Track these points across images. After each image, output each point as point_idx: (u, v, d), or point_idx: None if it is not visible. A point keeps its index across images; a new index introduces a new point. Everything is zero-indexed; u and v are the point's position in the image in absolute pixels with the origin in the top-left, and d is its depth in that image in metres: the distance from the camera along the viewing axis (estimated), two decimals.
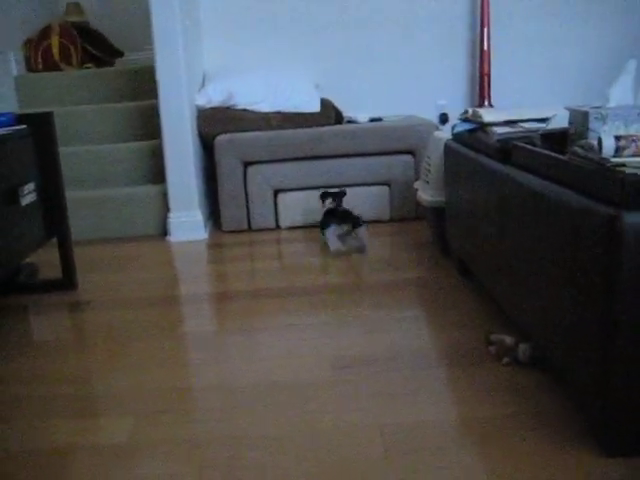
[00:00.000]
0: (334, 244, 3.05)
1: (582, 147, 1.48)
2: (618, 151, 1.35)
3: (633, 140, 1.35)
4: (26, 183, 2.44)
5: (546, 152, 1.66)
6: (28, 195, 2.44)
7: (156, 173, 3.69)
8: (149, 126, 3.88)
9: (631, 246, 1.23)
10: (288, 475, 1.38)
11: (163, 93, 3.41)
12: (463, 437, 1.48)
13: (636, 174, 1.26)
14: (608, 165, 1.33)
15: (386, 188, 3.58)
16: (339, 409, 1.63)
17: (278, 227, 3.62)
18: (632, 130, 1.51)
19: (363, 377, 1.80)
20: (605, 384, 1.32)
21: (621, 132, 1.47)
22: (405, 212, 3.61)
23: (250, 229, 3.62)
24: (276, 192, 3.59)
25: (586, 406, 1.44)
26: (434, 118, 4.16)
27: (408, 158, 3.56)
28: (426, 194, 2.84)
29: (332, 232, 3.08)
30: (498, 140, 2.02)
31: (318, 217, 3.28)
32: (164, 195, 3.55)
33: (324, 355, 1.96)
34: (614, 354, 1.29)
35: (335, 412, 1.62)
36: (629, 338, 1.28)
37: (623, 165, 1.31)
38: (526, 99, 4.23)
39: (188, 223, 3.51)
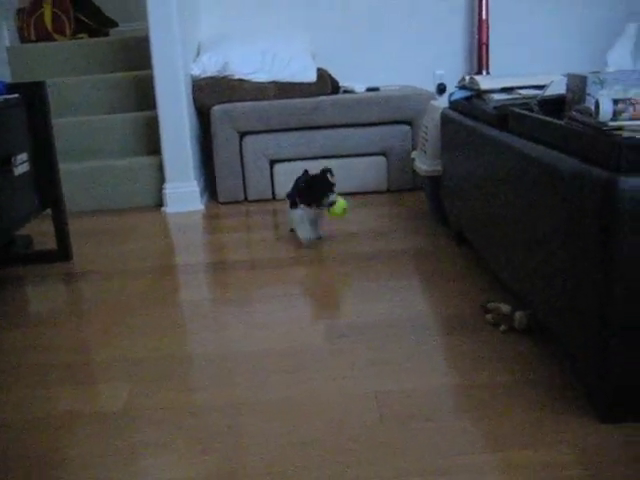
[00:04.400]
0: (304, 234, 2.67)
1: (579, 111, 1.46)
2: (616, 115, 1.33)
3: (631, 103, 1.33)
4: (19, 153, 2.41)
5: (543, 117, 1.64)
6: (21, 165, 2.42)
7: (151, 144, 3.66)
8: (144, 97, 3.85)
9: (627, 210, 1.22)
10: (285, 441, 1.38)
11: (158, 63, 3.37)
12: (459, 404, 1.49)
13: (633, 137, 1.24)
14: (605, 129, 1.32)
15: (383, 158, 3.56)
16: (335, 376, 1.63)
17: (274, 198, 3.60)
18: (631, 94, 1.48)
19: (359, 345, 1.80)
20: (602, 351, 1.32)
21: (619, 96, 1.45)
22: (402, 182, 3.59)
23: (246, 200, 3.60)
24: (272, 162, 3.56)
25: (582, 373, 1.44)
26: (432, 88, 4.12)
27: (405, 128, 3.53)
28: (423, 163, 2.82)
29: (300, 217, 2.66)
30: (495, 107, 2.00)
31: None
32: (159, 166, 3.52)
33: (320, 323, 1.95)
34: (611, 320, 1.29)
35: (331, 379, 1.62)
36: (626, 304, 1.27)
37: (620, 129, 1.30)
38: (525, 69, 4.19)
39: (184, 194, 3.49)
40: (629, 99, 1.35)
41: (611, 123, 1.32)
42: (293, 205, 2.67)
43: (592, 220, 1.29)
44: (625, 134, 1.26)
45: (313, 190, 2.60)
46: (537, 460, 1.28)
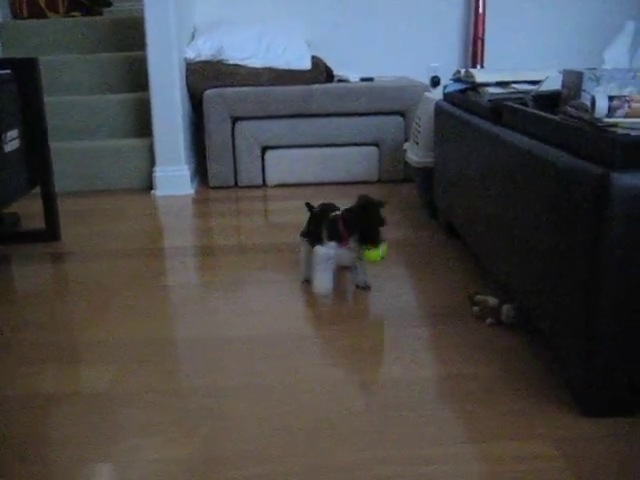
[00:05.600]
0: (324, 283, 1.99)
1: (574, 107, 1.46)
2: (611, 111, 1.34)
3: (626, 101, 1.33)
4: (9, 129, 2.39)
5: (537, 112, 1.64)
6: (11, 142, 2.40)
7: (142, 126, 3.64)
8: (136, 78, 3.82)
9: (619, 206, 1.22)
10: (269, 427, 1.38)
11: (152, 45, 3.35)
12: (444, 394, 1.49)
13: (627, 135, 1.25)
14: (600, 125, 1.32)
15: (375, 149, 3.56)
16: (321, 364, 1.63)
17: (265, 185, 3.59)
18: (626, 92, 1.49)
19: (347, 333, 1.80)
20: (588, 346, 1.33)
21: (615, 93, 1.45)
22: (394, 174, 3.59)
23: (237, 186, 3.59)
24: (264, 149, 3.55)
25: (568, 367, 1.45)
26: (426, 80, 4.12)
27: (398, 119, 3.53)
28: (415, 155, 2.82)
29: (326, 258, 1.96)
30: (490, 100, 2.00)
31: (306, 175, 3.25)
32: (150, 149, 3.50)
33: (308, 310, 1.95)
34: (599, 315, 1.30)
35: (317, 366, 1.62)
36: (614, 299, 1.28)
37: (615, 125, 1.30)
38: (520, 64, 4.20)
39: (174, 177, 3.47)
40: (624, 96, 1.35)
41: (606, 120, 1.32)
42: (315, 241, 2.01)
43: (585, 215, 1.29)
44: (620, 131, 1.27)
45: (361, 223, 1.92)
46: (518, 452, 1.29)
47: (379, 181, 3.59)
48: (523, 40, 4.27)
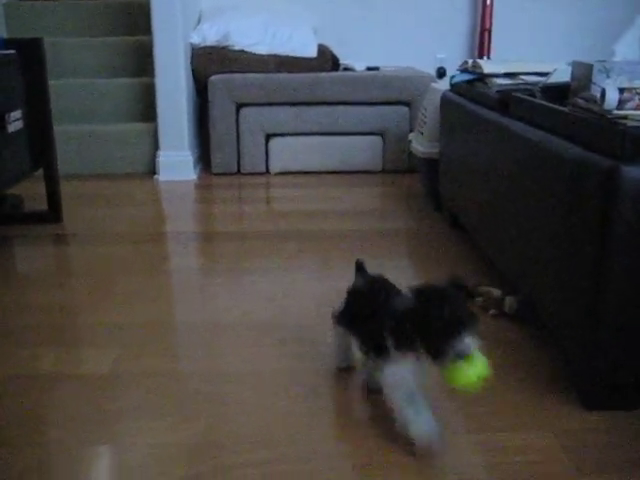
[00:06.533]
0: (423, 428, 1.23)
1: (584, 99, 1.45)
2: (621, 104, 1.33)
3: (637, 93, 1.32)
4: (13, 110, 2.38)
5: (545, 103, 1.63)
6: (14, 122, 2.39)
7: (147, 111, 3.62)
8: (142, 63, 3.80)
9: (629, 199, 1.21)
10: (268, 412, 1.38)
11: (157, 29, 3.33)
12: (445, 385, 1.48)
13: (638, 127, 1.23)
14: (610, 117, 1.31)
15: (380, 138, 3.54)
16: (322, 351, 1.63)
17: (268, 172, 3.58)
18: (636, 85, 1.48)
19: None
20: (593, 339, 1.32)
21: (625, 86, 1.44)
22: (398, 164, 3.57)
23: (240, 172, 3.57)
24: (268, 136, 3.54)
25: (571, 359, 1.45)
26: (432, 71, 4.10)
27: (404, 109, 3.51)
28: (420, 145, 2.80)
29: (404, 390, 1.25)
30: (497, 91, 1.98)
31: (309, 164, 3.22)
32: (154, 133, 3.49)
33: (309, 297, 1.95)
34: (605, 309, 1.29)
35: (317, 354, 1.62)
36: (621, 293, 1.27)
37: (625, 118, 1.29)
38: (528, 56, 4.17)
39: (177, 163, 3.46)
40: (635, 89, 1.34)
41: (616, 112, 1.31)
42: (366, 342, 1.35)
43: (593, 207, 1.28)
44: (630, 123, 1.26)
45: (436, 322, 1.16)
46: (517, 443, 1.28)
47: (383, 171, 3.58)
48: (530, 32, 4.24)
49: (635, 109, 1.32)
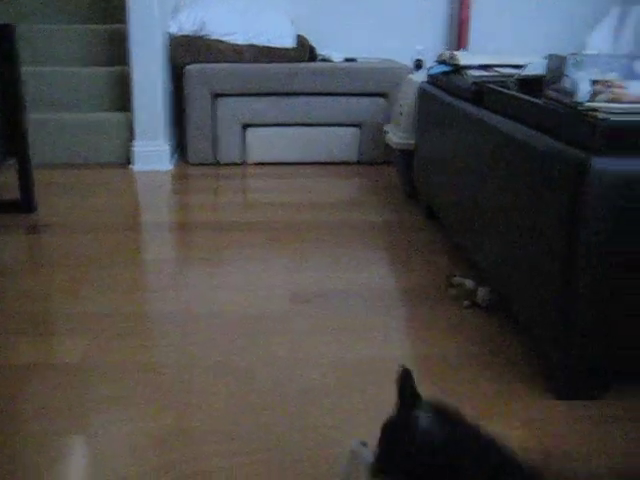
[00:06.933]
0: None
1: (556, 91, 1.46)
2: (592, 96, 1.34)
3: (608, 86, 1.33)
4: None
5: (519, 95, 1.64)
6: None
7: (122, 100, 3.58)
8: (118, 51, 3.76)
9: (599, 191, 1.22)
10: (238, 403, 1.37)
11: (133, 17, 3.29)
12: (418, 374, 1.49)
13: (608, 119, 1.24)
14: (581, 109, 1.32)
15: (357, 130, 3.54)
16: (294, 342, 1.63)
17: (245, 162, 3.57)
18: (609, 78, 1.49)
19: (321, 312, 1.79)
20: (564, 329, 1.33)
21: (597, 78, 1.45)
22: (374, 155, 3.57)
23: (216, 163, 3.56)
24: (245, 126, 3.52)
25: (541, 350, 1.46)
26: (410, 63, 4.10)
27: (381, 101, 3.51)
28: (396, 136, 2.81)
29: None
30: (473, 83, 1.99)
31: (286, 154, 3.22)
32: (129, 123, 3.46)
33: (284, 288, 1.95)
34: (575, 300, 1.30)
35: (290, 345, 1.62)
36: (591, 284, 1.28)
37: (596, 110, 1.30)
38: (508, 48, 4.18)
39: (153, 153, 3.44)
40: (607, 81, 1.35)
41: (587, 104, 1.32)
42: None
43: (564, 199, 1.29)
44: (600, 115, 1.26)
45: None
46: (490, 432, 1.29)
47: (359, 162, 3.58)
48: (509, 24, 4.25)
49: (606, 101, 1.33)
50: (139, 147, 3.43)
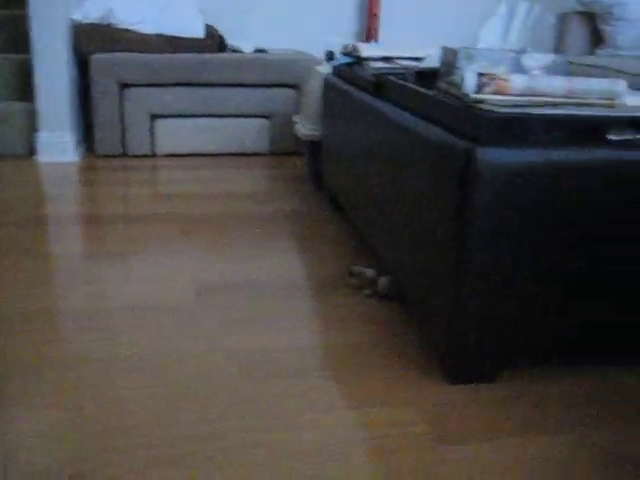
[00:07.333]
0: None
1: (447, 83, 1.50)
2: (479, 88, 1.38)
3: (494, 78, 1.38)
4: None
5: (414, 87, 1.68)
6: None
7: (24, 89, 3.47)
8: (18, 38, 3.64)
9: (485, 181, 1.27)
10: (145, 396, 1.36)
11: (34, 3, 3.18)
12: (317, 363, 1.51)
13: (492, 111, 1.29)
14: (467, 101, 1.36)
15: (267, 121, 3.54)
16: (201, 334, 1.63)
17: (154, 154, 3.51)
18: (496, 71, 1.54)
19: (226, 303, 1.79)
20: (455, 318, 1.38)
21: (485, 72, 1.50)
22: (284, 146, 3.58)
23: (125, 154, 3.49)
24: (154, 117, 3.47)
25: (435, 337, 1.50)
26: (321, 55, 4.12)
27: (291, 92, 3.52)
28: (304, 127, 2.82)
29: None
30: (372, 75, 2.02)
31: (197, 146, 3.18)
32: (32, 113, 3.35)
33: (189, 281, 1.94)
34: (465, 289, 1.34)
35: (196, 336, 1.61)
36: (478, 274, 1.33)
37: (482, 102, 1.34)
38: (415, 40, 4.26)
39: (58, 144, 3.34)
40: (493, 74, 1.40)
41: (474, 96, 1.36)
42: None
43: (452, 190, 1.33)
44: (485, 107, 1.31)
45: None
46: (386, 418, 1.33)
47: (270, 153, 3.58)
48: (415, 17, 4.32)
49: (492, 93, 1.37)
50: (43, 138, 3.33)
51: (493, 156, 1.27)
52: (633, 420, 1.35)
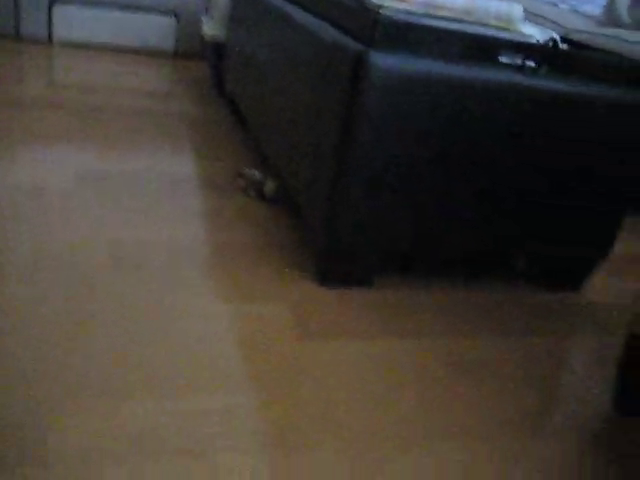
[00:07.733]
0: None
1: None
2: None
3: None
4: None
5: None
6: None
7: None
8: None
9: (375, 84, 1.27)
10: (25, 288, 1.33)
11: None
12: (198, 259, 1.51)
13: (389, 17, 1.28)
14: (366, 4, 1.35)
15: (174, 19, 3.41)
16: (74, 221, 1.58)
17: (51, 41, 3.32)
18: None
19: (107, 192, 1.75)
20: (331, 223, 1.39)
21: None
22: (191, 47, 3.46)
23: (18, 38, 3.28)
24: (52, 2, 3.26)
25: (314, 241, 1.52)
26: None
27: None
28: (209, 28, 2.74)
29: None
30: None
31: (98, 37, 3.04)
32: None
33: (72, 168, 1.87)
34: (343, 192, 1.36)
35: (69, 223, 1.57)
36: (359, 176, 1.34)
37: (381, 7, 1.33)
38: None
39: None
40: None
41: (375, 1, 1.35)
42: None
43: (343, 91, 1.32)
44: (383, 11, 1.30)
45: None
46: (258, 311, 1.35)
47: (176, 53, 3.46)
48: None
49: (394, 1, 1.37)
50: None
51: (384, 61, 1.27)
52: (481, 330, 1.43)
